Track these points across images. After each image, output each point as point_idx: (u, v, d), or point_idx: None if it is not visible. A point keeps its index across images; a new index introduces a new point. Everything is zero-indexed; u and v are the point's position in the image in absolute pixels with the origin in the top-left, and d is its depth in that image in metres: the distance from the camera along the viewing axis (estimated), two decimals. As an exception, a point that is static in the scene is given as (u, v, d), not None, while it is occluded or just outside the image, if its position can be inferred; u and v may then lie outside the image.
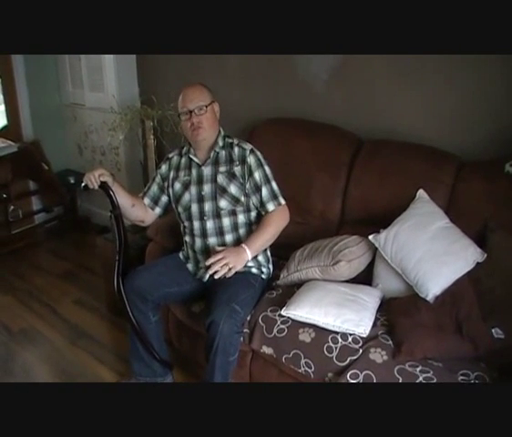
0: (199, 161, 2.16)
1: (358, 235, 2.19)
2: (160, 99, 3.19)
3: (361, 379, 1.75)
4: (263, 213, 2.14)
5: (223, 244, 2.13)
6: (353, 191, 2.43)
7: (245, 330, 2.07)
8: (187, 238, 2.23)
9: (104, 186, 2.04)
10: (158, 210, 2.29)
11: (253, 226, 2.19)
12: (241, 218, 2.16)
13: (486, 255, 1.98)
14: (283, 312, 2.00)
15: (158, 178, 2.27)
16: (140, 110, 3.24)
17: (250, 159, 2.11)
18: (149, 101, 3.29)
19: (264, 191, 2.11)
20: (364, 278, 2.17)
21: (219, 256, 1.93)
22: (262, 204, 2.12)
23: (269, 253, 2.28)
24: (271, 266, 2.29)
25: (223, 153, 2.15)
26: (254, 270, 2.18)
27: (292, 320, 1.98)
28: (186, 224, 2.21)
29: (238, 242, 2.12)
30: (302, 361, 1.91)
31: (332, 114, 2.69)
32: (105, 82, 3.69)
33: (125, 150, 3.77)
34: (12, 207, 3.74)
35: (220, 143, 2.16)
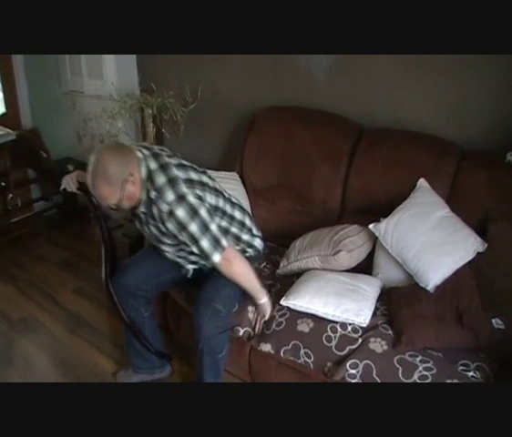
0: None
1: (358, 224, 2.18)
2: (160, 87, 3.17)
3: (360, 368, 1.75)
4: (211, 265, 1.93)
5: (191, 252, 1.95)
6: (354, 180, 2.42)
7: (245, 329, 2.05)
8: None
9: (82, 187, 1.99)
10: None
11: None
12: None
13: (486, 245, 1.97)
14: (283, 302, 1.99)
15: None
16: (140, 98, 3.22)
17: (180, 213, 1.78)
18: (149, 89, 3.26)
19: (205, 242, 1.81)
20: (365, 267, 2.16)
21: (257, 328, 2.02)
22: (206, 256, 1.85)
23: (247, 237, 2.12)
24: (254, 248, 2.16)
25: (149, 206, 1.86)
26: None
27: (291, 311, 1.98)
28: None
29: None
30: (302, 352, 1.90)
31: (333, 102, 2.67)
32: (104, 69, 3.66)
33: (124, 138, 3.74)
34: (10, 195, 3.71)
35: (144, 196, 1.84)
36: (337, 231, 2.15)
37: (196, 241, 1.81)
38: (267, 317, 2.01)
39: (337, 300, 1.91)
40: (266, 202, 2.69)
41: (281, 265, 2.25)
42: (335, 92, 2.69)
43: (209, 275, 1.99)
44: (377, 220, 2.12)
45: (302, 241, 2.23)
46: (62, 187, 2.02)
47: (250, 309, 2.08)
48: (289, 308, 1.99)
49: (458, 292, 1.88)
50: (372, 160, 2.38)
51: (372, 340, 1.81)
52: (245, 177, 2.77)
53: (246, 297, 2.05)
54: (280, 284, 2.21)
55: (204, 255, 1.84)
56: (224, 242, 1.84)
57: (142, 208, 1.86)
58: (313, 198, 2.54)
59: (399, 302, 1.93)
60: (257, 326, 2.02)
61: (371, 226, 2.10)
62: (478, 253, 1.96)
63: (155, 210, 1.82)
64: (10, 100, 3.97)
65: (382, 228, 2.07)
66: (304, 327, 1.92)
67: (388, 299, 2.00)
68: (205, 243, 1.81)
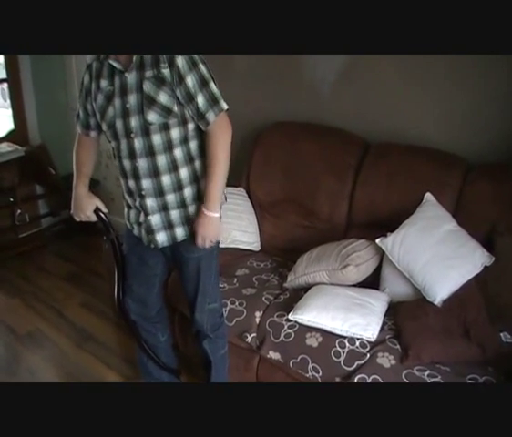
0: (121, 67, 1.72)
1: (365, 238, 2.19)
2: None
3: (368, 383, 1.74)
4: (203, 127, 1.75)
5: (155, 167, 1.76)
6: (360, 194, 2.43)
7: (253, 335, 2.08)
8: (116, 163, 1.90)
9: (96, 211, 1.98)
10: (93, 134, 1.95)
11: (191, 142, 1.79)
12: (175, 133, 1.74)
13: (493, 258, 1.98)
14: (291, 317, 1.99)
15: (82, 98, 1.88)
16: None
17: (180, 61, 1.66)
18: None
19: (201, 98, 1.69)
20: (372, 281, 2.16)
21: (198, 244, 1.82)
22: (201, 115, 1.71)
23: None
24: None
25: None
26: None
27: (300, 325, 1.98)
28: (113, 144, 1.85)
29: (173, 165, 1.76)
30: (310, 366, 1.90)
31: (338, 117, 2.69)
32: (111, 86, 3.70)
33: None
34: (19, 210, 3.74)
35: None
36: (344, 246, 2.16)
37: (206, 83, 1.69)
38: (213, 241, 1.84)
39: (345, 315, 1.91)
40: (272, 217, 2.70)
41: (289, 279, 2.25)
42: (340, 106, 2.72)
43: (188, 265, 1.91)
44: (384, 234, 2.12)
45: (309, 256, 2.24)
46: (78, 219, 2.00)
47: (258, 314, 2.10)
48: (297, 321, 1.99)
49: (465, 306, 1.88)
50: (377, 174, 2.39)
51: (380, 354, 1.81)
52: (251, 192, 2.78)
53: (251, 302, 2.10)
54: (288, 295, 2.22)
55: (213, 99, 1.70)
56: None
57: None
58: (319, 212, 2.55)
59: (406, 316, 1.94)
60: (206, 243, 1.81)
61: (378, 240, 2.11)
62: (485, 266, 1.96)
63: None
64: (18, 117, 4.02)
65: (389, 243, 2.08)
66: (313, 341, 1.92)
67: (395, 314, 2.00)
68: (214, 87, 1.72)
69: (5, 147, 3.75)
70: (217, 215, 1.79)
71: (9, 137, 3.95)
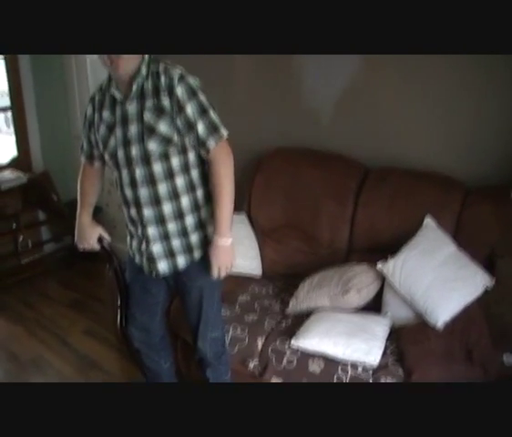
0: (121, 97, 1.77)
1: (366, 262, 2.20)
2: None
3: (372, 409, 1.74)
4: (204, 155, 1.77)
5: (156, 195, 1.78)
6: (361, 218, 2.45)
7: (255, 361, 2.08)
8: (118, 192, 1.92)
9: (99, 240, 1.99)
10: (97, 164, 2.00)
11: (192, 171, 1.80)
12: (176, 161, 1.76)
13: (494, 280, 1.99)
14: (293, 343, 2.00)
15: (85, 129, 1.93)
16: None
17: (179, 91, 1.69)
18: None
19: (201, 126, 1.71)
20: (374, 306, 2.17)
21: (214, 275, 1.84)
22: (201, 143, 1.73)
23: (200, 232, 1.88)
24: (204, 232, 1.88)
25: (149, 84, 1.74)
26: (197, 255, 1.87)
27: (302, 351, 1.98)
28: (115, 174, 1.88)
29: (174, 193, 1.78)
30: (313, 392, 1.90)
31: (338, 143, 2.72)
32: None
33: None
34: (21, 237, 3.77)
35: (144, 71, 1.74)
36: (346, 271, 2.17)
37: (205, 111, 1.72)
38: (230, 268, 1.85)
39: (347, 340, 1.91)
40: (274, 242, 2.70)
41: (291, 304, 2.26)
42: (340, 132, 2.75)
43: (190, 292, 1.92)
44: (385, 258, 2.14)
45: (311, 281, 2.25)
46: (81, 247, 2.02)
47: (260, 340, 2.09)
48: (299, 348, 1.99)
49: (467, 328, 1.89)
50: (378, 198, 2.41)
51: (382, 379, 1.81)
52: (253, 217, 2.80)
53: (253, 328, 2.09)
54: (290, 321, 2.22)
55: (213, 127, 1.72)
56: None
57: (139, 79, 1.73)
58: (320, 238, 2.56)
59: (408, 341, 1.94)
60: (222, 272, 1.83)
61: (379, 265, 2.12)
62: (486, 289, 1.97)
63: (163, 79, 1.71)
64: (21, 143, 4.07)
65: (390, 267, 2.09)
66: (316, 367, 1.92)
67: (397, 338, 2.00)
68: (214, 115, 1.74)
69: (8, 174, 3.78)
70: (229, 242, 1.80)
71: (12, 164, 4.00)
